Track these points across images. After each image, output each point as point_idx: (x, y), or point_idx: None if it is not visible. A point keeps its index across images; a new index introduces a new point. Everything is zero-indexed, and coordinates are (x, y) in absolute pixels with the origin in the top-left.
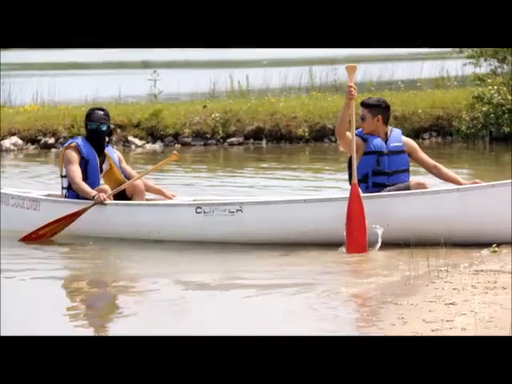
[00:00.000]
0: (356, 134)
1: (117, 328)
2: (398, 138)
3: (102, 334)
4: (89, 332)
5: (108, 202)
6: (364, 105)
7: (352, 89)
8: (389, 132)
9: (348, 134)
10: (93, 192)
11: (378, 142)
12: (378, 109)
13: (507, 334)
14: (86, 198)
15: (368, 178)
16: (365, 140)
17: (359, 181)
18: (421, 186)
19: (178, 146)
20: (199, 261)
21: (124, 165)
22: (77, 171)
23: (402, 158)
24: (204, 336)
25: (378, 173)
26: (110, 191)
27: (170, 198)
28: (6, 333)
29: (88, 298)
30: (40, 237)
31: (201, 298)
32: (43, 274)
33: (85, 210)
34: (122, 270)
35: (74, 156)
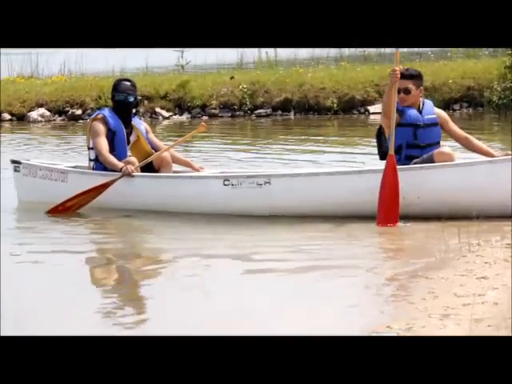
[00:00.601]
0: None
1: (132, 315)
2: (431, 109)
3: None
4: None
5: (135, 173)
6: (408, 76)
7: (397, 71)
8: (421, 104)
9: (393, 122)
10: (120, 164)
11: (414, 113)
12: (421, 79)
13: None
14: (113, 169)
15: (402, 149)
16: (400, 112)
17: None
18: (444, 155)
19: (205, 117)
20: (225, 234)
21: (151, 136)
22: (104, 143)
23: (435, 130)
24: (204, 336)
25: (413, 145)
26: (137, 163)
27: (197, 170)
28: (6, 333)
29: (109, 277)
30: (67, 209)
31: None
32: (67, 247)
33: (112, 181)
34: (146, 244)
35: (100, 128)
